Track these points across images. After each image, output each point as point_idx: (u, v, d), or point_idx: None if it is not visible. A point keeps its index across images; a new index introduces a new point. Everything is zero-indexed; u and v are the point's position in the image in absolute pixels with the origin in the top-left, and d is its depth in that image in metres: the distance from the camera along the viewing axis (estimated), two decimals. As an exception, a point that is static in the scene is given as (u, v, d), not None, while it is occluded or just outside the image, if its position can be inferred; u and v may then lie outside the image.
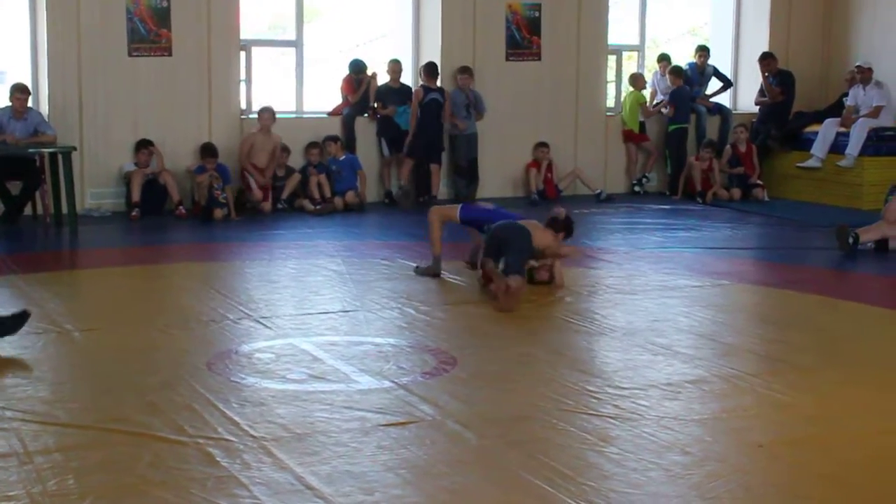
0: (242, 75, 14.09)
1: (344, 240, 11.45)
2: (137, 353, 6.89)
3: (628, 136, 15.72)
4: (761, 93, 15.73)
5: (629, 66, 16.64)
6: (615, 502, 4.56)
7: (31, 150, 12.07)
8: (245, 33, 14.11)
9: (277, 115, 13.75)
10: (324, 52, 16.68)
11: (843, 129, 14.63)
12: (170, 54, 13.36)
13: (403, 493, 4.67)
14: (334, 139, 13.95)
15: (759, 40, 16.30)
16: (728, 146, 15.42)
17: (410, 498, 4.65)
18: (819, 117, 15.25)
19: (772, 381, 6.32)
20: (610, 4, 15.64)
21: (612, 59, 16.05)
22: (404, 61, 14.69)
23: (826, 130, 14.76)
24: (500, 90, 14.82)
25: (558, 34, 15.16)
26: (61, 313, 7.88)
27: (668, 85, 15.67)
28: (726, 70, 16.53)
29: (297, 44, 14.55)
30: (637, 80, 15.79)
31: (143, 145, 13.02)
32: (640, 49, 16.61)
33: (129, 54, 13.18)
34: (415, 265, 9.70)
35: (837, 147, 14.61)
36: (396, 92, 14.29)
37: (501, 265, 8.50)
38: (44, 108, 12.90)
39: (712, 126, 16.03)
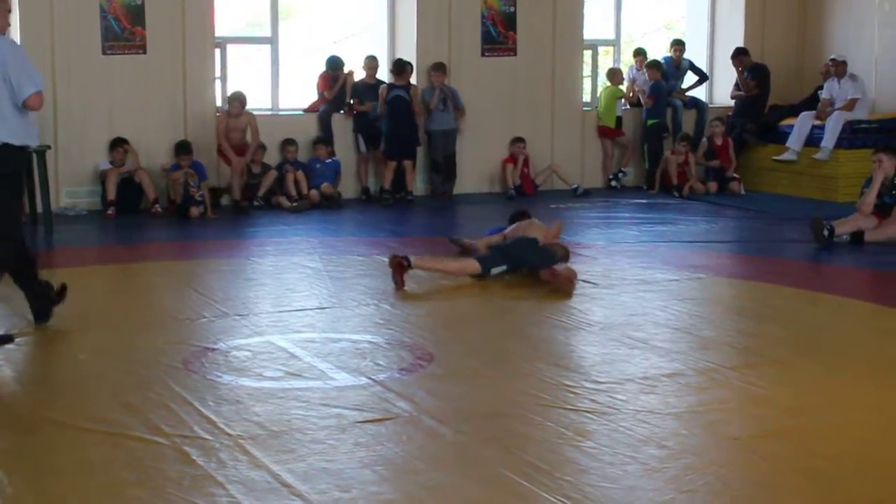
0: (217, 73, 14.05)
1: (321, 236, 11.43)
2: (114, 353, 6.86)
3: (604, 132, 15.74)
4: (737, 86, 15.77)
5: (605, 62, 16.65)
6: (592, 496, 4.56)
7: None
8: (220, 31, 14.07)
9: (254, 113, 13.72)
10: (299, 50, 16.64)
11: (818, 122, 14.68)
12: (144, 52, 13.32)
13: (380, 490, 4.67)
14: (325, 142, 13.93)
15: (734, 34, 16.35)
16: (704, 140, 15.46)
17: (387, 495, 4.64)
18: (794, 110, 15.30)
19: (748, 374, 6.34)
20: (585, -1, 15.67)
21: (587, 54, 16.07)
22: (380, 58, 14.66)
23: (801, 123, 14.81)
24: (475, 86, 14.81)
25: (534, 29, 15.16)
26: (36, 313, 7.84)
27: (647, 79, 15.68)
28: (702, 64, 16.57)
29: (272, 41, 14.53)
30: (615, 75, 15.82)
31: (118, 144, 12.98)
32: (615, 44, 16.63)
33: (104, 52, 13.13)
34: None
35: (813, 140, 14.66)
36: (372, 88, 14.26)
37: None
38: (18, 107, 12.81)
39: (688, 120, 16.05)
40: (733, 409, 5.83)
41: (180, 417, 5.53)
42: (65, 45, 12.92)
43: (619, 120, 15.73)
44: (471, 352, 6.99)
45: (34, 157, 11.74)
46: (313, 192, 13.48)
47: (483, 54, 15.01)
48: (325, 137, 14.07)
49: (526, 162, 14.93)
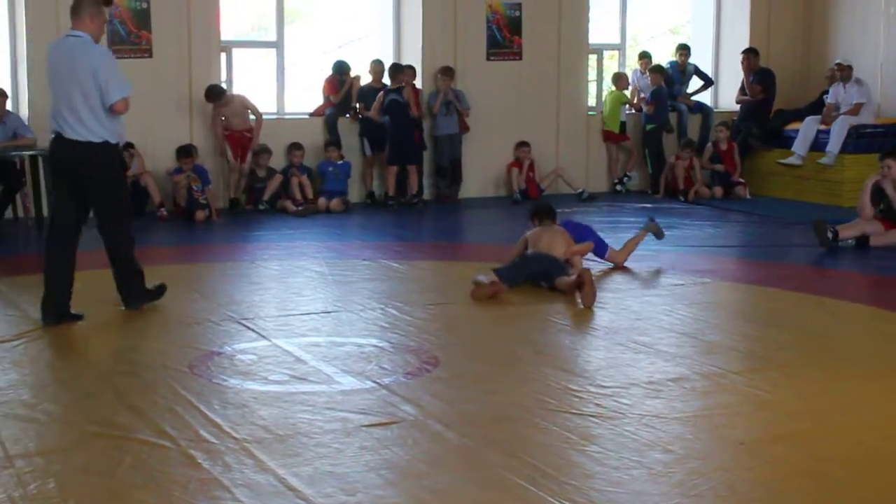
0: (223, 77, 14.07)
1: (326, 241, 11.44)
2: (119, 356, 6.89)
3: (608, 136, 15.75)
4: (742, 91, 15.77)
5: (610, 66, 16.66)
6: (597, 501, 4.56)
7: (11, 153, 12.03)
8: (226, 34, 14.10)
9: (264, 117, 13.79)
10: (305, 54, 16.66)
11: (823, 127, 14.68)
12: (150, 56, 13.34)
13: (385, 494, 4.66)
14: (337, 145, 13.95)
15: (739, 39, 16.35)
16: (709, 144, 15.47)
17: (392, 498, 4.64)
18: (800, 115, 15.30)
19: (754, 379, 6.33)
20: (591, 3, 15.68)
21: (592, 59, 16.08)
22: (386, 62, 14.66)
23: (807, 128, 14.81)
24: (481, 90, 14.82)
25: (539, 34, 15.17)
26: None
27: (649, 84, 15.70)
28: (707, 68, 16.58)
29: (278, 45, 14.55)
30: (620, 80, 15.82)
31: (124, 147, 12.94)
32: (621, 48, 16.63)
33: (110, 56, 13.13)
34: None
35: (818, 144, 14.66)
36: (378, 93, 14.28)
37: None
38: (24, 111, 12.86)
39: (693, 124, 16.08)
40: (739, 413, 5.81)
41: (186, 421, 5.53)
42: (71, 49, 12.92)
43: (623, 125, 15.74)
44: (476, 356, 6.99)
45: (40, 160, 11.79)
46: (321, 201, 13.48)
47: (488, 58, 15.03)
48: (336, 140, 14.09)
49: (531, 166, 14.94)
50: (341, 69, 14.42)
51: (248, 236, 11.67)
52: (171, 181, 12.95)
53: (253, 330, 7.53)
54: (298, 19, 17.15)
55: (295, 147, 13.79)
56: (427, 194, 14.58)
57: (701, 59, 16.56)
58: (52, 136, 7.83)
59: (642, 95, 15.94)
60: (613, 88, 15.79)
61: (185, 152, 12.98)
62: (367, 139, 14.33)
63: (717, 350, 7.04)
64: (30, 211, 12.36)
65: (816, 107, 15.33)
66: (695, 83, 16.39)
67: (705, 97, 16.57)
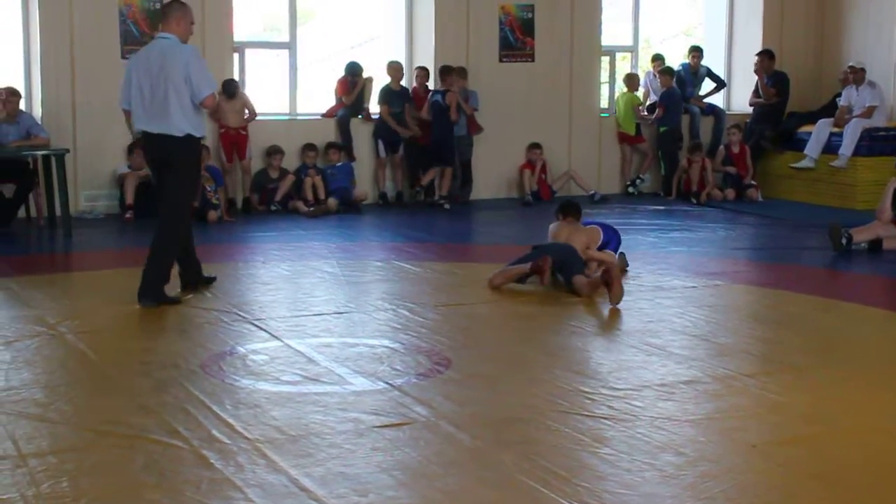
0: (236, 77, 14.08)
1: (338, 241, 11.45)
2: (132, 355, 6.89)
3: (623, 138, 15.74)
4: (756, 93, 15.75)
5: (623, 67, 16.65)
6: (609, 503, 4.56)
7: (24, 153, 12.07)
8: (239, 35, 14.11)
9: (272, 118, 13.81)
10: (317, 54, 16.67)
11: (836, 130, 14.65)
12: (163, 56, 13.34)
13: (397, 495, 4.67)
14: (337, 147, 13.97)
15: (752, 41, 16.33)
16: (721, 147, 15.45)
17: (404, 499, 4.64)
18: (812, 118, 15.28)
19: (766, 382, 6.33)
20: (603, 5, 15.67)
21: (605, 60, 16.07)
22: (399, 63, 14.68)
23: (819, 131, 14.79)
24: (493, 91, 14.82)
25: (552, 35, 15.17)
26: (56, 316, 7.88)
27: (660, 86, 15.70)
28: (720, 71, 16.56)
29: (290, 45, 14.56)
30: (632, 81, 15.81)
31: (136, 147, 13.00)
32: (633, 50, 16.62)
33: (123, 56, 13.14)
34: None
35: (831, 147, 14.64)
36: (398, 94, 14.29)
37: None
38: (37, 111, 12.89)
39: (706, 126, 16.06)
40: (751, 416, 5.81)
41: (198, 421, 5.54)
42: (84, 50, 12.97)
43: (637, 127, 15.73)
44: (488, 357, 6.99)
45: (53, 160, 11.83)
46: (331, 201, 13.49)
47: (501, 60, 15.03)
48: (339, 143, 14.09)
49: (543, 168, 14.94)
50: (353, 70, 14.42)
51: (259, 237, 11.68)
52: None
53: (265, 330, 7.54)
54: (311, 20, 17.16)
55: (309, 148, 13.81)
56: (438, 196, 14.57)
57: (713, 61, 16.54)
58: (140, 134, 8.60)
59: (654, 98, 15.93)
60: (625, 90, 15.79)
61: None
62: (382, 140, 14.33)
63: (729, 353, 7.04)
64: (42, 211, 12.39)
65: (829, 109, 15.30)
66: (707, 85, 16.37)
67: (718, 99, 16.55)
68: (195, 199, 8.88)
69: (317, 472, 4.87)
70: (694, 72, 16.22)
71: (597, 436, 5.38)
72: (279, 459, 5.00)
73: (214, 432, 5.37)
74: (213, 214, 12.63)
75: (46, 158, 12.07)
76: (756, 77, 15.70)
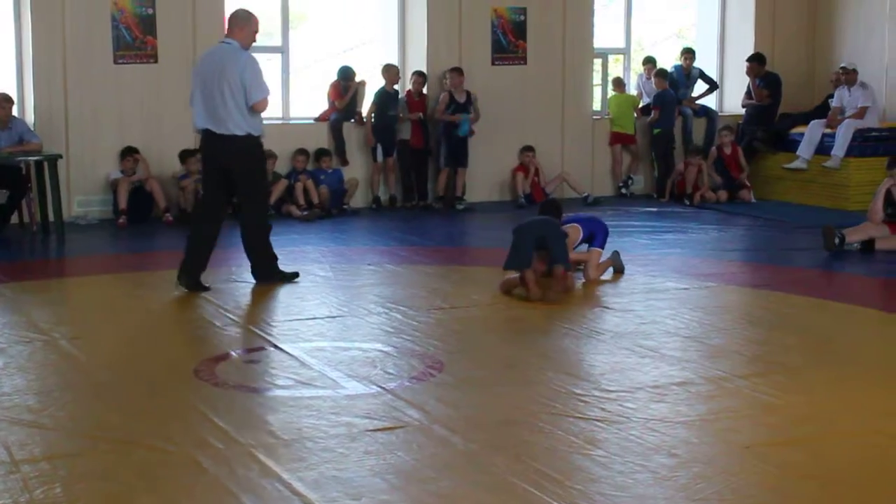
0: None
1: (331, 245, 11.44)
2: (125, 361, 6.89)
3: (617, 139, 15.74)
4: (748, 95, 15.76)
5: (615, 70, 16.66)
6: (602, 505, 4.57)
7: (17, 159, 12.06)
8: (231, 40, 14.11)
9: (264, 122, 13.75)
10: (310, 58, 16.67)
11: (828, 131, 14.66)
12: (156, 61, 13.35)
13: (391, 499, 4.67)
14: (328, 154, 13.97)
15: (744, 42, 16.34)
16: (714, 148, 15.45)
17: (397, 503, 4.65)
18: (805, 119, 15.28)
19: (759, 383, 6.34)
20: (595, 8, 15.67)
21: (597, 63, 16.08)
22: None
23: (812, 132, 14.80)
24: (486, 94, 14.81)
25: (544, 38, 15.17)
26: (48, 321, 7.88)
27: (654, 88, 15.71)
28: (712, 72, 16.56)
29: (282, 50, 14.55)
30: (619, 84, 15.86)
31: (129, 153, 13.00)
32: (625, 52, 16.63)
33: (115, 62, 13.17)
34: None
35: (823, 148, 14.64)
36: (393, 97, 14.29)
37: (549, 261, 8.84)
38: (30, 117, 12.88)
39: (698, 128, 16.06)
40: (744, 417, 5.82)
41: (191, 425, 5.54)
42: (76, 55, 12.96)
43: (634, 127, 15.77)
44: (481, 360, 7.00)
45: (46, 166, 11.83)
46: (322, 189, 13.48)
47: (493, 63, 15.02)
48: (329, 149, 14.08)
49: (537, 171, 14.94)
50: (346, 75, 14.41)
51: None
52: (179, 186, 12.96)
53: (258, 334, 7.54)
54: (303, 24, 17.16)
55: (300, 153, 13.79)
56: (431, 199, 14.58)
57: (706, 62, 16.55)
58: (202, 133, 9.14)
59: (647, 100, 15.94)
60: (614, 92, 15.82)
61: (190, 152, 13.03)
62: (381, 144, 14.32)
63: (722, 354, 7.05)
64: (35, 217, 12.38)
65: (821, 110, 15.31)
66: (700, 87, 16.38)
67: (710, 101, 16.56)
68: (267, 190, 9.71)
69: (310, 477, 4.87)
70: (686, 73, 16.22)
71: (590, 438, 5.39)
72: (272, 464, 5.01)
73: (207, 437, 5.37)
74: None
75: (39, 164, 12.06)
76: (748, 78, 15.71)
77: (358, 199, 14.27)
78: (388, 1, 15.09)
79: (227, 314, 8.12)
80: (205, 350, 7.14)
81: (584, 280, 9.38)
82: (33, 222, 12.42)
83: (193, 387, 6.27)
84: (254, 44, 9.26)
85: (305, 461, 5.08)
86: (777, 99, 15.62)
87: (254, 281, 9.35)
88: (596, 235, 9.60)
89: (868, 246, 10.95)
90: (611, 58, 16.60)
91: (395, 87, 14.38)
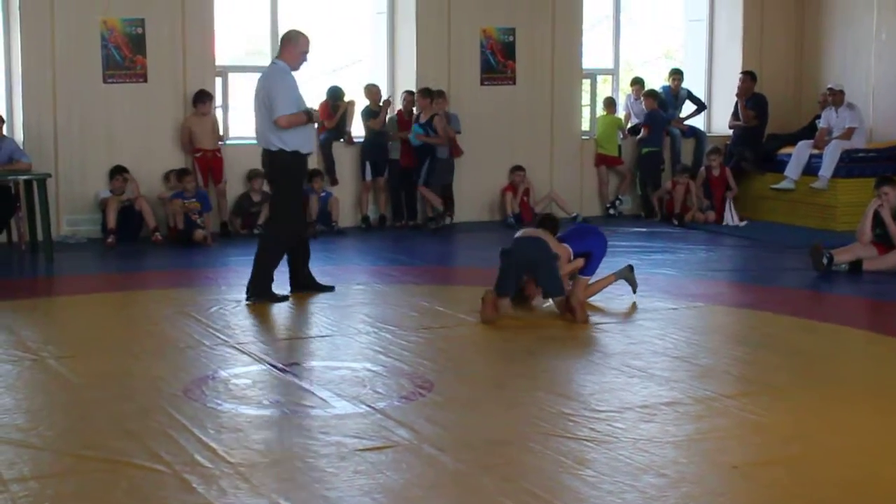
0: (219, 101, 14.11)
1: (320, 265, 11.41)
2: (114, 380, 6.88)
3: (602, 160, 15.80)
4: (735, 115, 15.82)
5: (604, 90, 16.72)
6: (591, 525, 4.58)
7: (6, 178, 12.05)
8: (222, 59, 14.14)
9: (255, 142, 13.78)
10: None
11: (816, 151, 14.72)
12: (145, 80, 13.37)
13: (380, 518, 4.68)
14: (319, 174, 13.97)
15: (732, 64, 16.42)
16: (702, 169, 15.49)
17: (387, 522, 4.66)
18: (792, 139, 15.35)
19: (747, 403, 6.35)
20: (584, 28, 15.73)
21: (586, 83, 16.14)
22: (380, 86, 14.73)
23: (799, 152, 14.86)
24: (475, 114, 14.86)
25: (533, 58, 15.23)
26: (37, 340, 7.87)
27: (643, 108, 15.78)
28: (700, 93, 16.64)
29: (272, 70, 14.54)
30: (610, 104, 15.93)
31: (118, 172, 13.00)
32: (614, 73, 16.69)
33: (104, 81, 13.19)
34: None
35: (811, 169, 14.70)
36: (377, 115, 14.32)
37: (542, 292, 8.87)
38: (19, 136, 12.88)
39: (687, 149, 16.12)
40: (732, 437, 5.84)
41: (180, 445, 5.54)
42: (66, 74, 12.97)
43: (619, 148, 15.82)
44: (470, 380, 7.01)
45: (35, 185, 11.83)
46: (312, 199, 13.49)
47: (482, 83, 15.07)
48: (320, 169, 14.08)
49: (526, 190, 14.98)
50: (335, 95, 14.43)
51: (242, 260, 11.63)
52: (169, 205, 12.93)
53: (247, 354, 7.54)
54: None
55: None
56: (420, 219, 14.60)
57: (694, 83, 16.63)
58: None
59: (636, 122, 16.00)
60: (605, 112, 15.89)
61: (184, 173, 13.06)
62: (369, 162, 14.36)
63: (710, 374, 7.06)
64: (24, 236, 12.37)
65: (809, 131, 15.38)
66: (688, 108, 16.45)
67: (698, 122, 16.63)
68: (297, 209, 9.70)
69: (299, 497, 4.87)
70: (675, 94, 16.30)
71: (579, 458, 5.39)
72: (261, 483, 5.01)
73: (197, 456, 5.36)
74: (199, 234, 12.65)
75: (28, 183, 12.06)
76: (735, 99, 15.78)
77: (347, 219, 14.28)
78: (378, 21, 15.15)
79: (217, 334, 8.11)
80: (194, 369, 7.13)
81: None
82: (22, 241, 12.42)
83: (183, 406, 6.26)
84: (303, 63, 9.62)
85: (294, 481, 5.08)
86: (764, 120, 15.69)
87: (244, 298, 9.35)
88: (591, 257, 9.33)
89: (856, 267, 10.99)
90: (599, 78, 16.65)
91: (381, 105, 14.42)
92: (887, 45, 15.24)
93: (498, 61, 15.12)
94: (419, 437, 5.70)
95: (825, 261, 10.91)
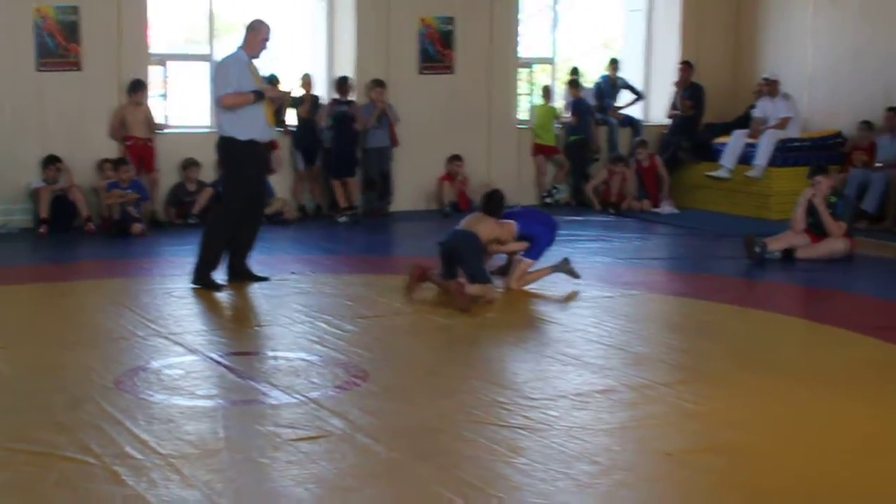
0: (160, 90, 14.00)
1: (255, 254, 11.34)
2: (44, 372, 6.79)
3: (539, 150, 15.84)
4: (673, 105, 15.92)
5: (542, 79, 16.75)
6: (524, 513, 4.58)
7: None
8: (160, 47, 14.02)
9: (190, 130, 13.74)
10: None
11: (751, 141, 14.83)
12: (79, 69, 13.22)
13: (313, 508, 4.65)
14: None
15: (669, 54, 16.51)
16: (632, 159, 15.56)
17: (320, 513, 4.63)
18: (728, 128, 15.46)
19: (681, 390, 6.38)
20: (522, 18, 15.75)
21: (524, 72, 16.16)
22: (319, 75, 14.67)
23: (735, 141, 14.97)
24: (413, 103, 14.83)
25: (471, 47, 15.22)
26: (-34, 332, 7.77)
27: (570, 96, 15.87)
28: (637, 82, 16.71)
29: (210, 58, 14.45)
30: (548, 93, 15.97)
31: (51, 161, 12.85)
32: (552, 62, 16.72)
33: (37, 69, 13.02)
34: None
35: (746, 158, 14.81)
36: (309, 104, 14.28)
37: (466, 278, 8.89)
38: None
39: (624, 138, 16.20)
40: (666, 424, 5.86)
41: (111, 437, 5.48)
42: (-2, 62, 12.82)
43: (556, 138, 15.87)
44: (405, 369, 7.00)
45: None
46: None
47: (421, 72, 15.05)
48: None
49: (464, 180, 14.98)
50: (271, 82, 14.32)
51: (177, 250, 11.55)
52: (106, 196, 12.77)
53: (180, 345, 7.47)
54: (230, 32, 17.04)
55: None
56: (359, 207, 14.55)
57: (632, 73, 16.70)
58: None
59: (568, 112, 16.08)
60: (542, 102, 15.93)
61: (122, 163, 12.92)
62: (301, 152, 14.31)
63: (644, 362, 7.09)
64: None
65: (744, 120, 15.49)
66: (625, 97, 16.53)
67: (635, 111, 16.70)
68: (243, 197, 9.50)
69: (231, 488, 4.84)
70: (612, 84, 16.37)
71: (512, 446, 5.40)
72: (192, 475, 4.96)
73: (128, 448, 5.31)
74: (136, 227, 12.52)
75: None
76: (673, 89, 15.87)
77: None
78: (317, 10, 15.08)
79: (150, 324, 8.04)
80: (126, 360, 7.06)
81: (505, 287, 9.39)
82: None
83: (114, 397, 6.19)
84: (264, 51, 9.58)
85: (227, 471, 5.04)
86: (701, 109, 15.80)
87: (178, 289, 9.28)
88: (536, 241, 9.49)
89: (789, 254, 11.09)
90: (537, 67, 16.68)
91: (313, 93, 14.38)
92: (822, 35, 15.37)
93: (436, 50, 15.10)
94: (353, 427, 5.67)
95: (758, 250, 11.00)
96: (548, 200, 15.76)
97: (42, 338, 7.80)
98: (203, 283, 9.38)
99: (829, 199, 11.24)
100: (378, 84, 14.37)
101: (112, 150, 13.38)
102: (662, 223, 14.08)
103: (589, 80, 16.82)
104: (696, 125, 15.81)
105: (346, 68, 14.70)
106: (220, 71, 9.41)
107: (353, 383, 6.53)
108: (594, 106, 16.09)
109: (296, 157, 14.34)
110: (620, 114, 16.36)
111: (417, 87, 14.97)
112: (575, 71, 16.34)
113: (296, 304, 8.89)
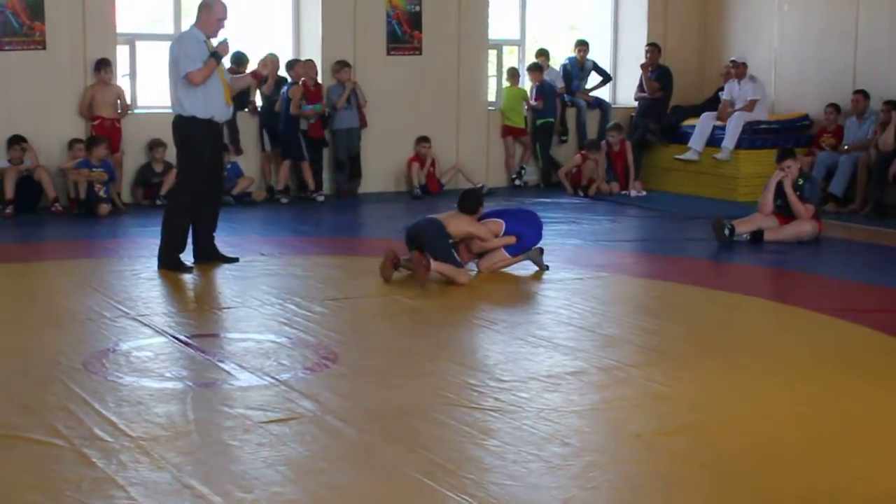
0: (127, 69, 13.90)
1: (224, 235, 11.29)
2: (10, 353, 6.73)
3: (508, 131, 15.84)
4: (640, 88, 15.94)
5: (510, 61, 16.74)
6: (495, 495, 4.56)
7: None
8: (125, 27, 13.91)
9: (157, 111, 13.62)
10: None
11: (719, 123, 14.89)
12: (44, 48, 13.10)
13: (283, 491, 4.62)
14: (225, 147, 13.80)
15: (637, 36, 16.54)
16: (603, 142, 15.58)
17: (290, 495, 4.60)
18: (696, 111, 15.52)
19: (651, 372, 6.40)
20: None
21: (492, 54, 16.14)
22: (284, 55, 14.59)
23: (703, 124, 15.02)
24: (381, 85, 14.80)
25: (439, 29, 15.19)
26: (-69, 314, 7.69)
27: (532, 81, 15.89)
28: (606, 65, 16.72)
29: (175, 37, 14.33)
30: (514, 75, 15.98)
31: (16, 141, 12.74)
32: (520, 44, 16.71)
33: (1, 48, 12.89)
34: None
35: (714, 140, 14.87)
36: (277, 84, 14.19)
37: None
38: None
39: (592, 120, 16.22)
40: (636, 406, 5.87)
41: (79, 419, 5.43)
42: (-39, 41, 12.69)
43: (525, 119, 15.88)
44: (375, 351, 6.97)
45: None
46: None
47: (388, 53, 15.01)
48: (226, 142, 13.93)
49: (433, 162, 14.95)
50: (239, 61, 14.23)
51: (144, 231, 11.48)
52: (74, 174, 12.63)
53: (149, 326, 7.43)
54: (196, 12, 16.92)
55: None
56: (326, 189, 14.51)
57: (600, 55, 16.71)
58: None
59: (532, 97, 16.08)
60: (508, 84, 15.92)
61: (95, 142, 12.80)
62: (267, 132, 14.25)
63: (614, 343, 7.10)
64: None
65: (712, 103, 15.55)
66: (594, 79, 16.54)
67: (604, 93, 16.72)
68: (199, 177, 9.42)
69: (201, 469, 4.80)
70: (580, 66, 16.38)
71: (483, 428, 5.39)
72: (162, 457, 4.92)
73: (96, 430, 5.26)
74: (103, 208, 12.44)
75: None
76: (641, 71, 15.90)
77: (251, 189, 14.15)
78: (283, -10, 15.01)
79: (118, 305, 7.98)
80: (94, 342, 7.01)
81: (477, 270, 9.39)
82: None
83: (82, 379, 6.14)
84: (220, 30, 9.45)
85: (196, 454, 5.01)
86: (668, 92, 15.84)
87: (146, 270, 9.22)
88: (520, 240, 9.44)
89: (757, 237, 11.13)
90: (505, 49, 16.66)
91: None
92: (789, 17, 15.43)
93: (404, 31, 15.05)
94: (323, 409, 5.65)
95: (727, 232, 11.03)
96: (517, 182, 15.78)
97: (7, 320, 7.73)
98: (170, 265, 9.31)
99: (798, 181, 11.28)
100: (344, 65, 14.31)
101: (78, 129, 13.28)
102: (632, 205, 14.11)
103: (556, 62, 16.82)
104: (664, 107, 15.84)
105: (313, 49, 14.64)
106: (181, 49, 9.27)
107: (324, 365, 6.51)
108: (561, 88, 16.10)
109: (263, 137, 14.28)
110: (589, 96, 16.37)
111: (385, 69, 14.92)
112: (540, 53, 16.33)
113: (265, 285, 8.85)
